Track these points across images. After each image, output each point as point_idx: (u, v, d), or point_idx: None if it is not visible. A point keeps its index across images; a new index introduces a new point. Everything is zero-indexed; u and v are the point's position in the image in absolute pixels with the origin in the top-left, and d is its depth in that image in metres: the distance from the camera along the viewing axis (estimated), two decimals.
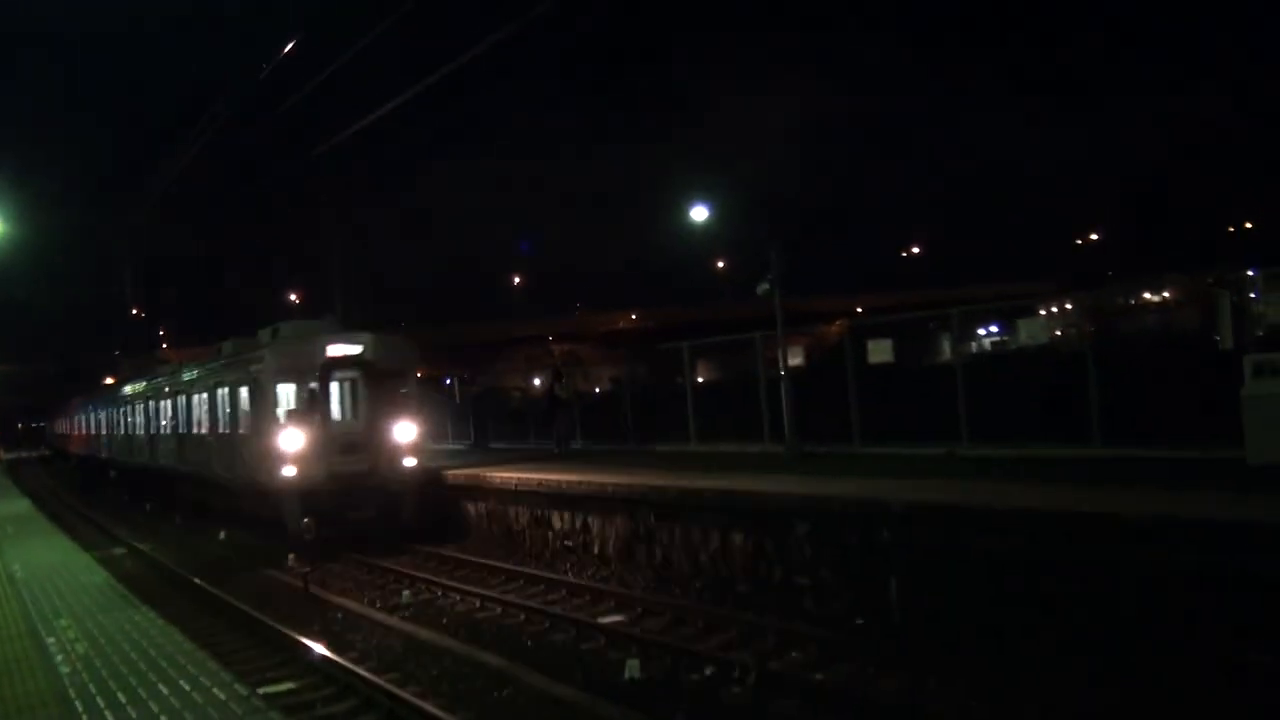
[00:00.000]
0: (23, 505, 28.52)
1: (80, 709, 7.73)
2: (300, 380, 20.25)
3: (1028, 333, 39.18)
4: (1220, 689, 8.14)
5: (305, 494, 18.96)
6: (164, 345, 68.20)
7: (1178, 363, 15.61)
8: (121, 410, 37.97)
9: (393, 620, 14.07)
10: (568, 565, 16.98)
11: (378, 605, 15.31)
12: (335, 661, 11.26)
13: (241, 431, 21.32)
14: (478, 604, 14.72)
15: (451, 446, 31.51)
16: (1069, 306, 36.76)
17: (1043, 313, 40.10)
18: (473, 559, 18.05)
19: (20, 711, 7.77)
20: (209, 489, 25.00)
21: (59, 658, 9.39)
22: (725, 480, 15.04)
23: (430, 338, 56.05)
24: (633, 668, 10.56)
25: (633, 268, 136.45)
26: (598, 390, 36.13)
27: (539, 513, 18.48)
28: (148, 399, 32.62)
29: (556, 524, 18.03)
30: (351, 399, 21.30)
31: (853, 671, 9.98)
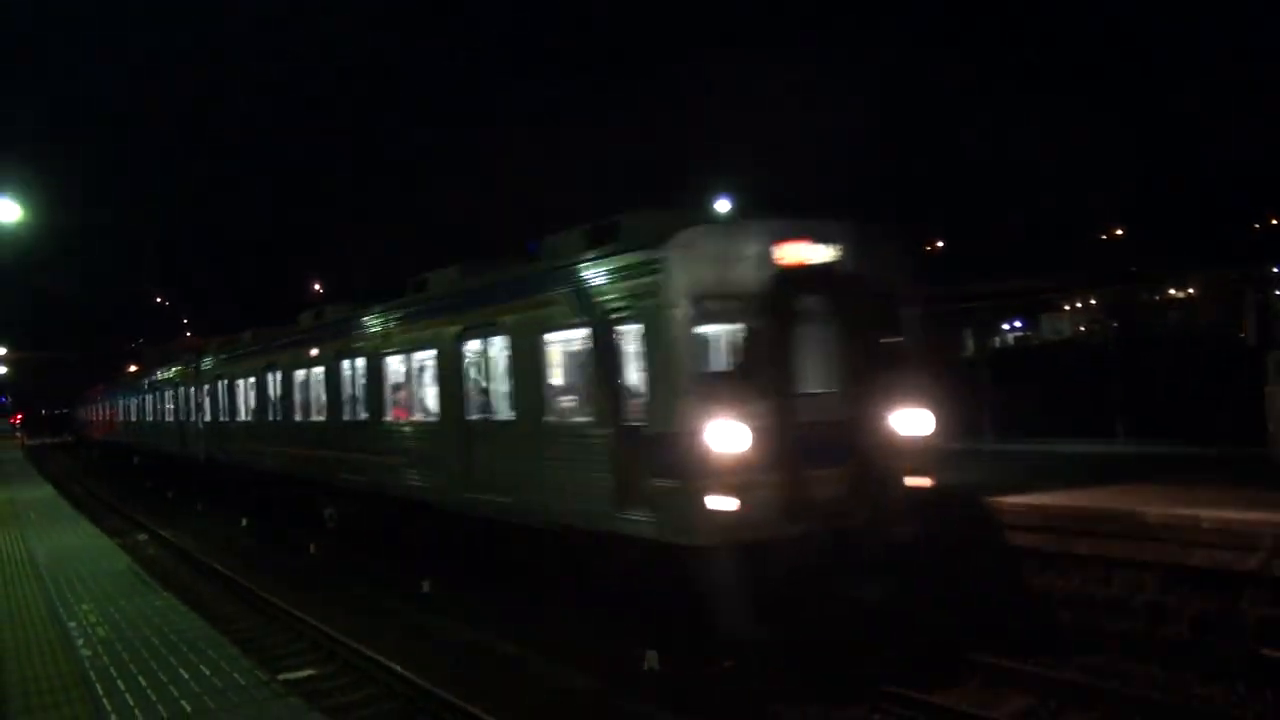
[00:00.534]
0: (46, 491, 28.81)
1: (101, 691, 7.79)
2: (723, 314, 10.30)
3: (1052, 328, 39.06)
4: None
5: (759, 556, 9.16)
6: (188, 334, 68.53)
7: None
8: (182, 395, 32.36)
9: None
10: None
11: None
12: None
13: (566, 418, 11.50)
14: None
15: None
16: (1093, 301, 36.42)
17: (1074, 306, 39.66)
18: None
19: (42, 693, 7.83)
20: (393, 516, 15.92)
21: (80, 641, 9.47)
22: None
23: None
24: None
25: None
26: None
27: None
28: (218, 379, 26.91)
29: None
30: (814, 353, 10.31)
31: None
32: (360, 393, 17.06)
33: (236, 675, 8.03)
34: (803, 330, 10.00)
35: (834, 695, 9.00)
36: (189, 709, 7.23)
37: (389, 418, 15.86)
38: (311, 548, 18.78)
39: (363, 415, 16.87)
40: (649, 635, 10.22)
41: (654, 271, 9.48)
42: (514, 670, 10.68)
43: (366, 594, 14.90)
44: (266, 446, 22.31)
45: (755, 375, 9.70)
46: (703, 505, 8.87)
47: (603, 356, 10.27)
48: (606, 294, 10.22)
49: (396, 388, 15.86)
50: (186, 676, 8.06)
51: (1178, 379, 14.13)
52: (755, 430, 9.12)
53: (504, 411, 12.44)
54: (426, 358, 14.55)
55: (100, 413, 56.48)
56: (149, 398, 38.93)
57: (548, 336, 11.49)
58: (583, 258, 10.79)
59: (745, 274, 9.57)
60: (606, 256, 10.40)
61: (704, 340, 10.67)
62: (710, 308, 9.66)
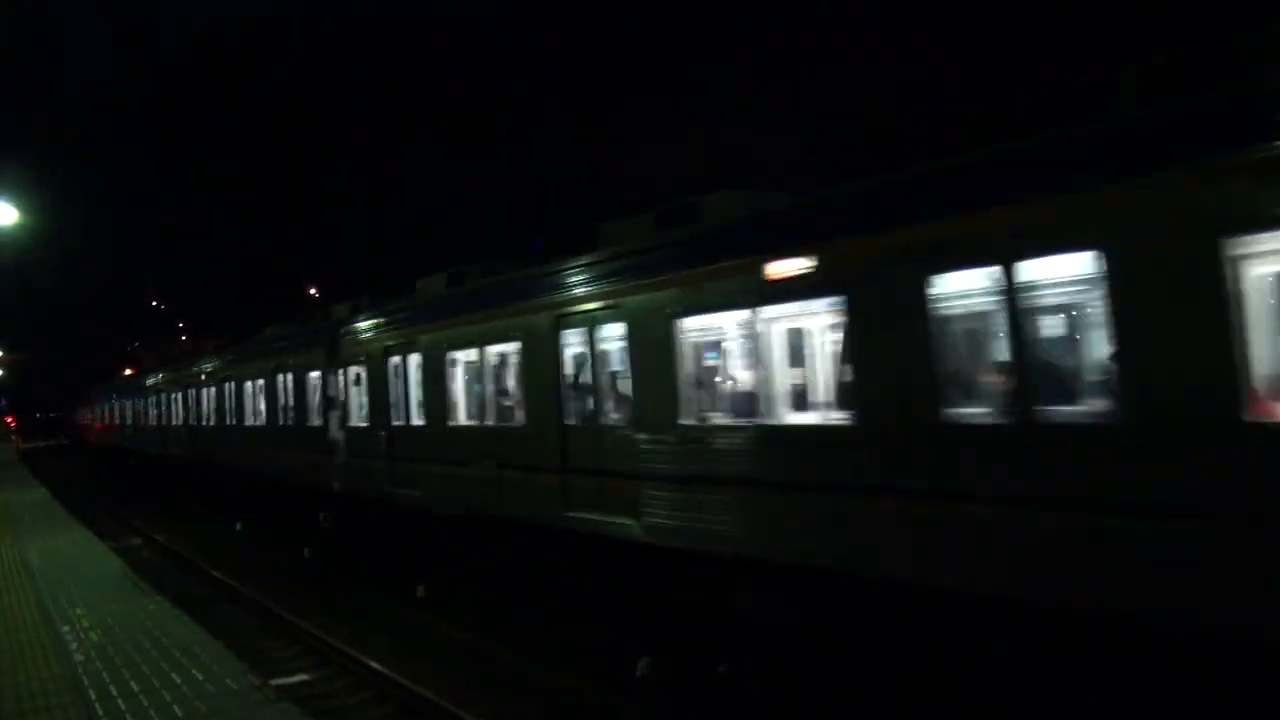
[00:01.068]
0: (40, 494, 28.77)
1: (93, 696, 7.77)
2: None
3: None
4: None
5: None
6: (183, 337, 68.54)
7: None
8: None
9: None
10: None
11: None
12: None
13: None
14: None
15: None
16: None
17: None
18: None
19: (34, 697, 7.81)
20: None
21: (73, 645, 9.45)
22: None
23: None
24: None
25: None
26: None
27: None
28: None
29: None
30: None
31: None
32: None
33: (229, 680, 8.01)
34: None
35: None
36: (181, 714, 7.20)
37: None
38: (305, 551, 18.75)
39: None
40: (643, 640, 10.30)
41: None
42: (508, 675, 10.66)
43: (360, 597, 14.86)
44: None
45: None
46: None
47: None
48: None
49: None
50: (179, 681, 8.04)
51: None
52: None
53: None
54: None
55: (105, 416, 56.12)
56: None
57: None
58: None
59: None
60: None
61: None
62: None
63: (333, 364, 18.58)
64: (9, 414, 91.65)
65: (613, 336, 11.29)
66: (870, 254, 8.08)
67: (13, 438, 76.97)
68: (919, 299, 7.62)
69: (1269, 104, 5.80)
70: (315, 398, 19.70)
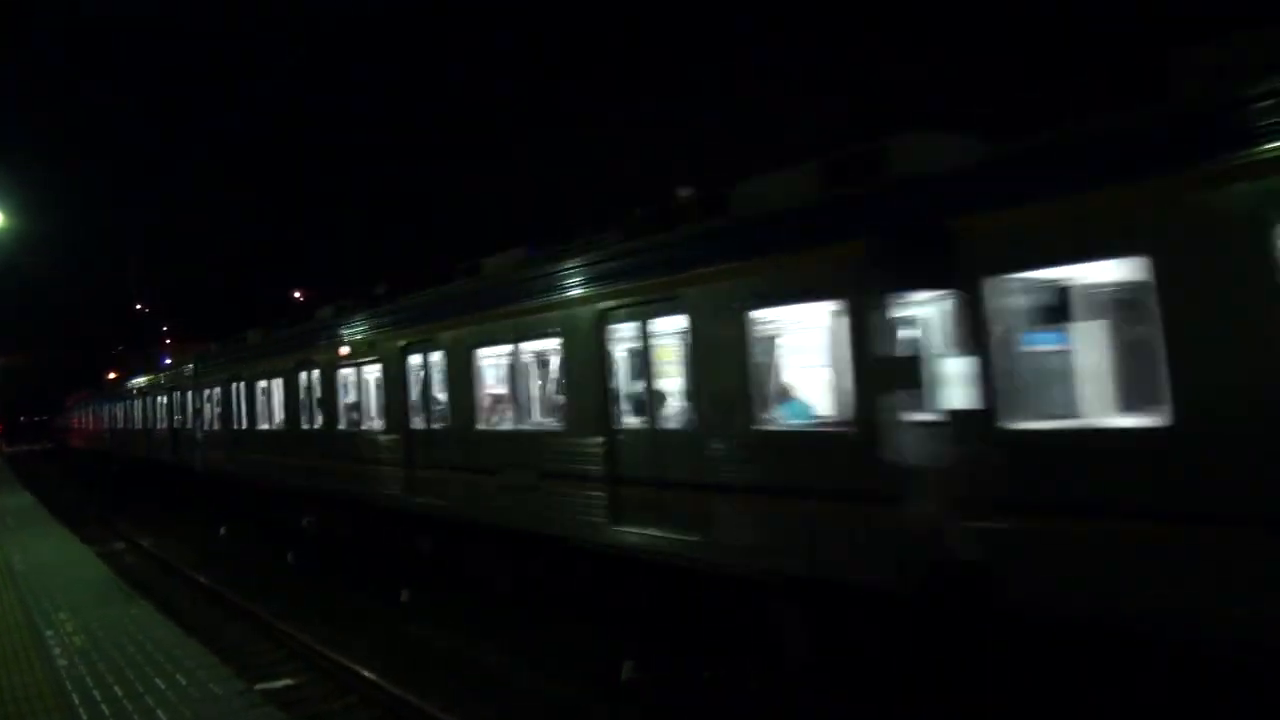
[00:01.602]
0: (25, 499, 28.62)
1: (77, 701, 7.77)
2: None
3: None
4: None
5: None
6: (167, 340, 68.23)
7: None
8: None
9: None
10: None
11: None
12: None
13: None
14: None
15: None
16: None
17: None
18: None
19: (18, 702, 7.80)
20: None
21: (57, 650, 9.44)
22: None
23: None
24: None
25: None
26: None
27: None
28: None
29: None
30: None
31: None
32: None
33: (214, 685, 8.01)
34: None
35: None
36: (165, 719, 7.21)
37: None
38: (289, 555, 18.72)
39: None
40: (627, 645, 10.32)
41: None
42: (494, 679, 10.68)
43: (345, 601, 14.85)
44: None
45: None
46: None
47: None
48: None
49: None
50: (163, 686, 8.04)
51: None
52: None
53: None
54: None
55: (94, 420, 55.74)
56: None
57: None
58: None
59: None
60: None
61: None
62: None
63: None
64: None
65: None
66: None
67: None
68: None
69: None
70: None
